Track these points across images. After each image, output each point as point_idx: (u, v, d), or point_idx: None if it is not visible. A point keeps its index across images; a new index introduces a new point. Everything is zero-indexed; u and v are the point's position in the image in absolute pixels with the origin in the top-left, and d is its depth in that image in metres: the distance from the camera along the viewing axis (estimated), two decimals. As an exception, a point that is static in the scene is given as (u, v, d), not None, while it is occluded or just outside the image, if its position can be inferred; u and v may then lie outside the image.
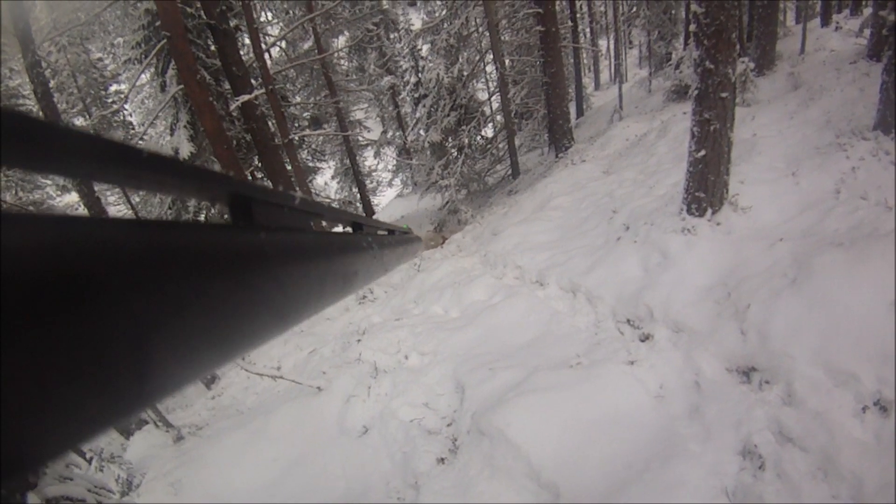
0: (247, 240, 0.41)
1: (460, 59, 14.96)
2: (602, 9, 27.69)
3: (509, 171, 15.69)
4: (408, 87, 18.22)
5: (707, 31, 5.97)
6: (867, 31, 11.43)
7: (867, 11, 12.55)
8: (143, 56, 13.71)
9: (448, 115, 14.69)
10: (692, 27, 6.25)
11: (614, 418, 4.52)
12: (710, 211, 6.44)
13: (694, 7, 6.10)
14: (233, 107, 12.97)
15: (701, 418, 4.27)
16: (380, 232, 1.19)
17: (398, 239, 1.24)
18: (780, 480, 3.52)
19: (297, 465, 5.90)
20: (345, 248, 0.69)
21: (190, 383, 0.34)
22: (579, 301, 6.71)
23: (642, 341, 5.45)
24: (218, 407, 8.47)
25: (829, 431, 3.62)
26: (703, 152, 6.25)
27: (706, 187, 6.40)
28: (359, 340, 8.09)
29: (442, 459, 5.18)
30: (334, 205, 21.40)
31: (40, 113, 12.36)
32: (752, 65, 11.42)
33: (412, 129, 16.78)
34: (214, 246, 0.36)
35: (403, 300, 9.51)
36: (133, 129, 21.89)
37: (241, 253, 0.39)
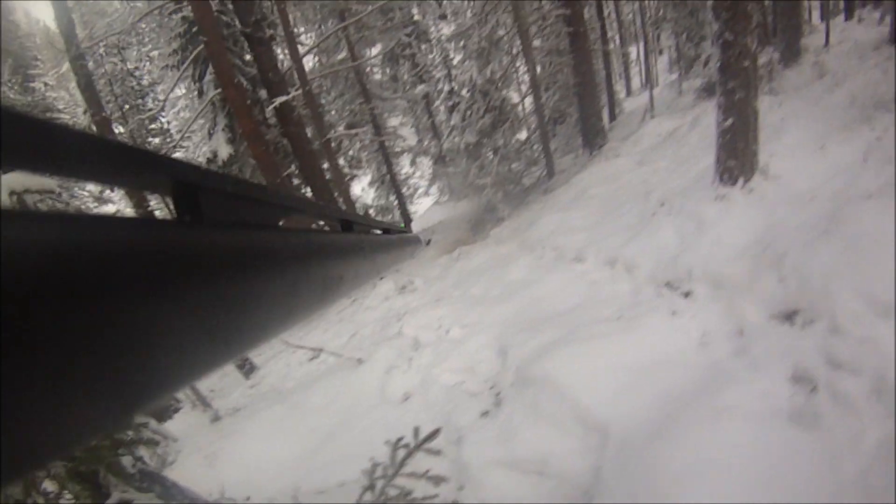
0: (189, 239, 0.34)
1: (491, 63, 15.10)
2: (630, 16, 27.59)
3: (544, 172, 15.73)
4: (441, 96, 18.38)
5: (724, 2, 6.10)
6: (888, 19, 11.41)
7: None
8: (180, 63, 14.18)
9: (482, 118, 14.78)
10: (710, 2, 6.37)
11: (659, 361, 4.56)
12: (741, 179, 6.48)
13: (710, -20, 6.23)
14: (269, 108, 13.33)
15: (747, 355, 4.28)
16: (374, 231, 1.13)
17: (395, 239, 1.18)
18: (836, 400, 3.57)
19: (336, 432, 5.97)
20: (327, 250, 0.62)
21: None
22: (618, 271, 6.75)
23: (684, 297, 5.49)
24: (257, 394, 8.55)
25: (881, 354, 3.64)
26: (730, 121, 6.33)
27: (737, 155, 6.46)
28: (398, 320, 8.22)
29: (485, 413, 5.23)
30: (371, 212, 21.48)
31: (87, 107, 12.66)
32: (777, 55, 11.50)
33: (447, 137, 16.91)
34: (142, 246, 0.28)
35: (443, 286, 9.66)
36: (171, 135, 22.26)
37: (180, 255, 0.31)
